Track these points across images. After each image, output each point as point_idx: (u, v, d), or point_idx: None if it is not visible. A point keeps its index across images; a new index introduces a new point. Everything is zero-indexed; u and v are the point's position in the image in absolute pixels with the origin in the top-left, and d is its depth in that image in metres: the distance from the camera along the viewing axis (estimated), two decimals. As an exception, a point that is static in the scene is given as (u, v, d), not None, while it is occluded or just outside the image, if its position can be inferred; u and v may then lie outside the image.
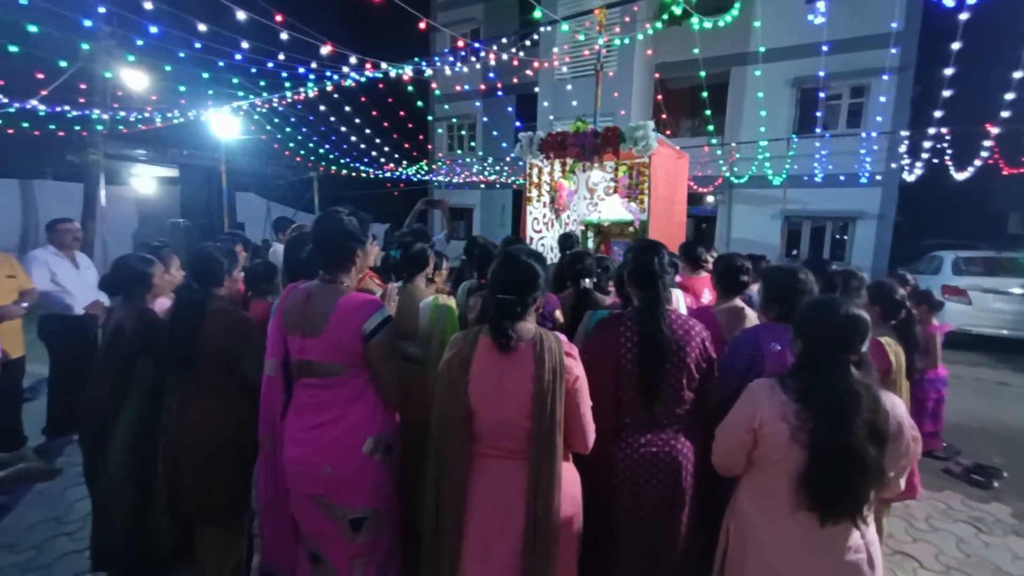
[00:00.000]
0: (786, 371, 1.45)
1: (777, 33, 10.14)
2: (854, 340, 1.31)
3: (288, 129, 10.00)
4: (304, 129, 10.15)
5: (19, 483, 1.91)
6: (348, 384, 1.72)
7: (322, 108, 8.58)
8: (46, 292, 3.41)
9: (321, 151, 11.20)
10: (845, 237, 11.56)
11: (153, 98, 7.94)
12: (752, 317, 2.36)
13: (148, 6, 4.03)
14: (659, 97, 10.01)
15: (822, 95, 8.66)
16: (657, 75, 11.48)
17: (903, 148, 10.11)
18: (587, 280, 2.87)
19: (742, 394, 1.46)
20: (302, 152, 11.42)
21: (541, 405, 1.42)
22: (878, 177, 10.56)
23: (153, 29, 4.70)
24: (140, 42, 5.77)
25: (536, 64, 8.30)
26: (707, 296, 3.47)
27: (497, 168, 13.62)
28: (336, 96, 7.65)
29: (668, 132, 11.64)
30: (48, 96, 6.43)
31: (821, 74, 8.02)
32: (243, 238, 4.18)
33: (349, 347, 1.68)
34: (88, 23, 5.69)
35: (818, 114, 9.39)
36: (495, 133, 13.39)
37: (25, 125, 7.57)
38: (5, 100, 6.11)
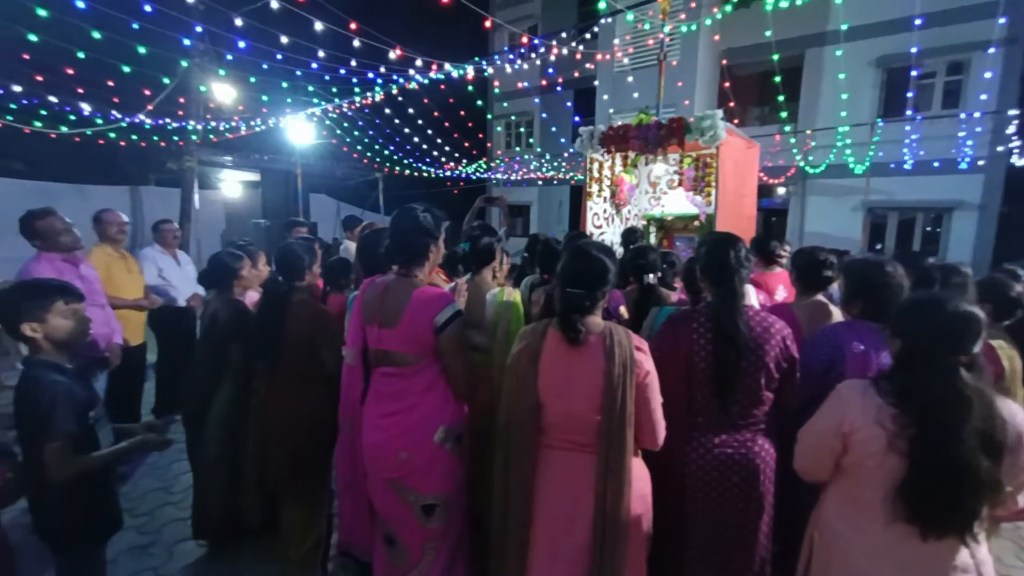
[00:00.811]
0: (879, 372, 1.35)
1: (861, 9, 9.32)
2: (965, 340, 1.19)
3: (356, 132, 10.52)
4: (371, 132, 10.63)
5: (138, 454, 2.17)
6: (421, 374, 1.79)
7: (387, 111, 8.94)
8: (155, 286, 3.82)
9: (386, 152, 11.68)
10: (938, 230, 10.46)
11: (240, 108, 8.66)
12: (838, 314, 2.21)
13: (238, 22, 4.40)
14: (726, 84, 9.52)
15: (914, 74, 7.87)
16: (724, 61, 10.92)
17: (1011, 129, 8.97)
18: (652, 275, 2.80)
19: (829, 396, 1.37)
20: (368, 154, 11.96)
21: (611, 399, 1.42)
22: (980, 162, 9.44)
23: (241, 44, 5.14)
24: (230, 56, 6.31)
25: (598, 56, 8.16)
26: (781, 293, 3.29)
27: (555, 164, 13.57)
28: (400, 99, 7.95)
29: (736, 121, 11.07)
30: (152, 110, 7.20)
31: (913, 51, 7.29)
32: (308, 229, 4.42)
33: (422, 338, 1.74)
34: (187, 41, 6.28)
35: (909, 95, 8.55)
36: (554, 129, 13.32)
37: (134, 137, 8.53)
38: (119, 115, 6.92)
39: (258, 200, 12.98)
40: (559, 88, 11.47)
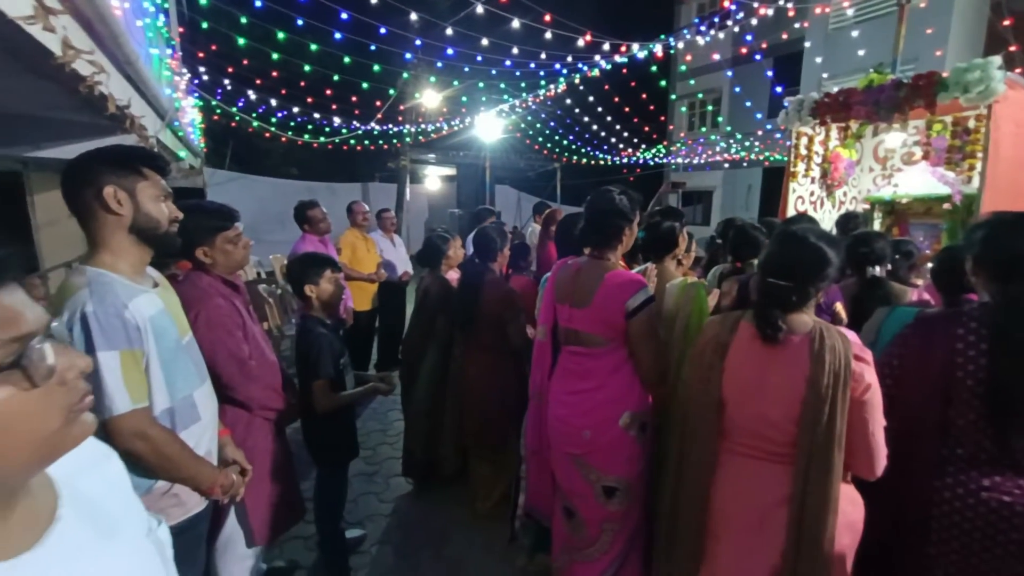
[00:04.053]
0: None
1: None
2: None
3: (538, 125, 11.05)
4: (552, 123, 11.03)
5: (367, 397, 2.65)
6: (609, 356, 1.80)
7: (568, 101, 9.13)
8: (387, 261, 4.61)
9: (564, 142, 12.00)
10: None
11: (444, 110, 9.90)
12: None
13: (448, 32, 4.97)
14: (1007, 22, 7.22)
15: None
16: (1003, -7, 8.29)
17: None
18: (877, 267, 2.33)
19: None
20: (548, 145, 12.45)
21: (815, 413, 1.21)
22: None
23: (449, 51, 5.82)
24: (439, 64, 7.20)
25: (818, 9, 6.98)
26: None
27: (747, 144, 12.16)
28: (581, 87, 8.03)
29: (1020, 71, 8.33)
30: (377, 118, 8.73)
31: None
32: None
33: (613, 321, 1.75)
34: (408, 55, 7.37)
35: None
36: (748, 103, 11.91)
37: (366, 142, 10.50)
38: (358, 125, 8.59)
39: (454, 192, 14.73)
40: (758, 56, 10.19)
